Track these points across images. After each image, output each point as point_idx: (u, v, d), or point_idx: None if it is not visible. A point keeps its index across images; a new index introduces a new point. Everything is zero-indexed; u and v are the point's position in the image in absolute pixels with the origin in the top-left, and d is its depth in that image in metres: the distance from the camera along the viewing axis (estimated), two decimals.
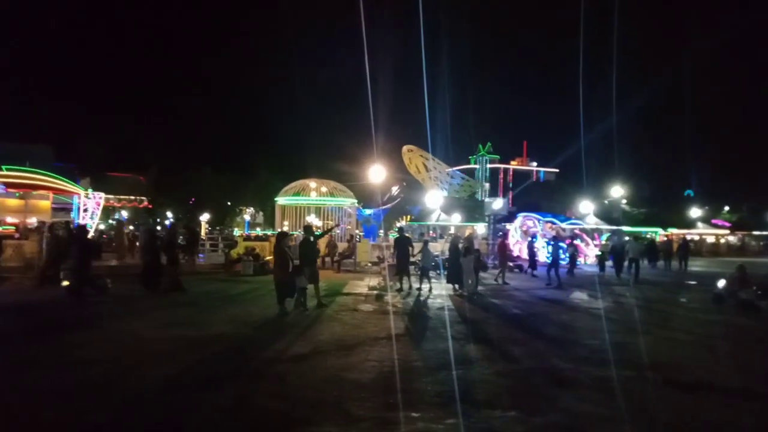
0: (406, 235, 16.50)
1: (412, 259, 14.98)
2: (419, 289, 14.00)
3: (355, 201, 25.94)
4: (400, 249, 14.44)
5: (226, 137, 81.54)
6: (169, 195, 48.58)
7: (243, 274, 17.22)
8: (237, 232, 38.13)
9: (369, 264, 19.89)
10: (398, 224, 43.52)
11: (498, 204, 27.04)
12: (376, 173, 23.86)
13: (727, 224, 51.00)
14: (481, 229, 34.41)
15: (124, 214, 39.48)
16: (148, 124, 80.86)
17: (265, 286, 14.31)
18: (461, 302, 12.41)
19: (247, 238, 25.90)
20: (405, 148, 50.17)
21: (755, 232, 51.29)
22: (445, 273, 15.25)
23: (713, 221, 50.80)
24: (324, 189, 24.90)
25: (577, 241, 25.99)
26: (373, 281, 15.41)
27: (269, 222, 41.23)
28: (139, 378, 5.93)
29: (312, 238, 11.42)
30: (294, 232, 20.95)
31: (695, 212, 49.39)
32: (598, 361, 7.03)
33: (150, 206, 35.53)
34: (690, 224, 47.50)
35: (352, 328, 8.90)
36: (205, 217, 48.05)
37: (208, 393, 5.46)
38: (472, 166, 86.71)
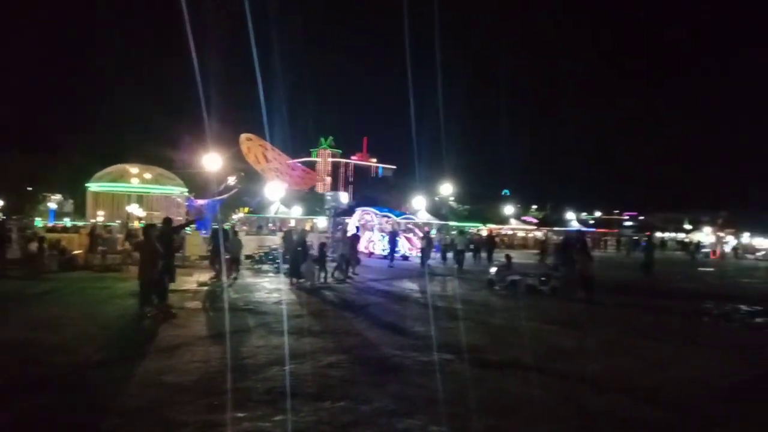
0: (225, 227, 16.63)
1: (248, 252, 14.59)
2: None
3: (185, 190, 24.29)
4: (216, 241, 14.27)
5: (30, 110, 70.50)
6: None
7: (46, 271, 15.04)
8: (39, 222, 33.12)
9: (199, 258, 18.75)
10: (234, 216, 41.81)
11: (343, 198, 27.49)
12: (211, 161, 22.60)
13: (535, 221, 58.39)
14: (321, 222, 34.66)
15: None
16: None
17: (72, 285, 12.71)
18: (300, 296, 12.32)
19: (52, 230, 22.75)
20: (243, 136, 48.21)
21: (556, 228, 59.49)
22: (285, 266, 15.14)
23: (523, 218, 57.76)
24: (148, 175, 22.82)
25: (410, 235, 27.56)
26: (204, 276, 14.57)
27: (80, 212, 36.56)
28: None
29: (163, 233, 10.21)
30: (111, 224, 18.91)
31: (509, 209, 55.61)
32: (423, 346, 7.48)
33: None
34: (505, 220, 53.33)
35: (175, 328, 8.27)
36: None
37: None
38: (313, 159, 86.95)
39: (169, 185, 23.17)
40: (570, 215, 60.80)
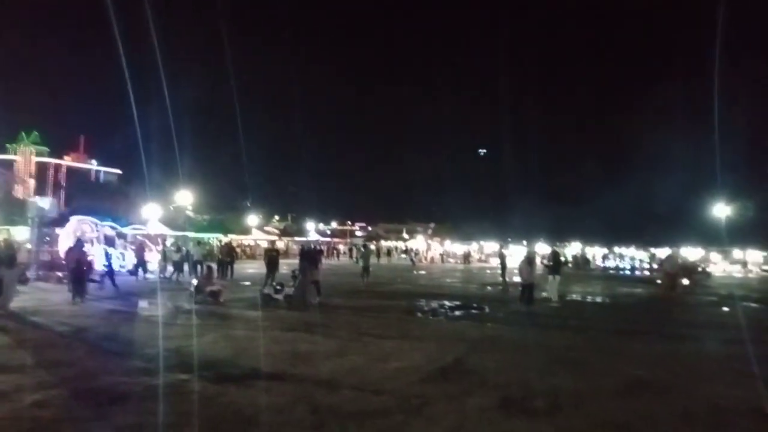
0: None
1: None
2: None
3: None
4: None
5: None
6: None
7: None
8: None
9: None
10: None
11: (47, 204, 23.42)
12: None
13: (277, 231, 59.47)
14: (21, 233, 28.79)
15: None
16: None
17: None
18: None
19: None
20: None
21: (296, 238, 61.64)
22: None
23: (266, 228, 58.29)
24: None
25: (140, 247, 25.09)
26: None
27: None
28: None
29: None
30: None
31: (252, 220, 55.42)
32: (155, 369, 6.91)
33: None
34: (247, 231, 52.95)
35: None
36: None
37: None
38: (11, 156, 71.97)
39: None
40: (310, 225, 63.83)
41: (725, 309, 16.83)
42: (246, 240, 50.70)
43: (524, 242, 57.67)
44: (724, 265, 52.02)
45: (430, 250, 61.41)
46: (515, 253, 35.74)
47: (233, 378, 6.65)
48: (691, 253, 46.79)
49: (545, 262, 20.14)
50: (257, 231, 53.90)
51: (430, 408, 5.67)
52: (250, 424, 5.08)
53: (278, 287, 14.42)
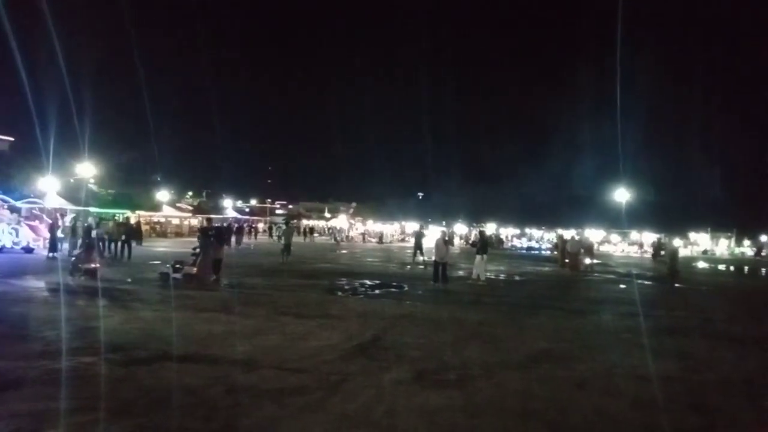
0: None
1: None
2: None
3: None
4: None
5: None
6: None
7: None
8: None
9: None
10: None
11: None
12: None
13: (190, 207, 57.04)
14: None
15: None
16: None
17: None
18: None
19: None
20: None
21: (212, 215, 59.45)
22: None
23: (178, 204, 55.70)
24: None
25: (35, 223, 23.26)
26: None
27: None
28: None
29: None
30: None
31: (163, 195, 52.72)
32: (56, 352, 6.47)
33: None
34: (157, 207, 50.37)
35: None
36: None
37: None
38: None
39: None
40: (227, 203, 61.80)
41: (622, 286, 18.33)
42: (156, 217, 48.20)
43: (443, 223, 59.47)
44: (623, 246, 56.59)
45: (352, 229, 61.63)
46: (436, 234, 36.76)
47: (142, 360, 6.37)
48: (594, 234, 50.42)
49: (473, 241, 21.04)
50: (168, 207, 51.34)
51: (348, 384, 5.75)
52: (161, 406, 4.90)
53: (177, 266, 13.77)
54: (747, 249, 59.71)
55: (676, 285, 18.98)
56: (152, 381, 5.62)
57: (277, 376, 5.97)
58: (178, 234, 46.77)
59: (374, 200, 79.51)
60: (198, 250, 14.13)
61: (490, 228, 59.20)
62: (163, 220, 49.06)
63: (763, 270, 31.62)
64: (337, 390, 5.53)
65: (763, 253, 54.47)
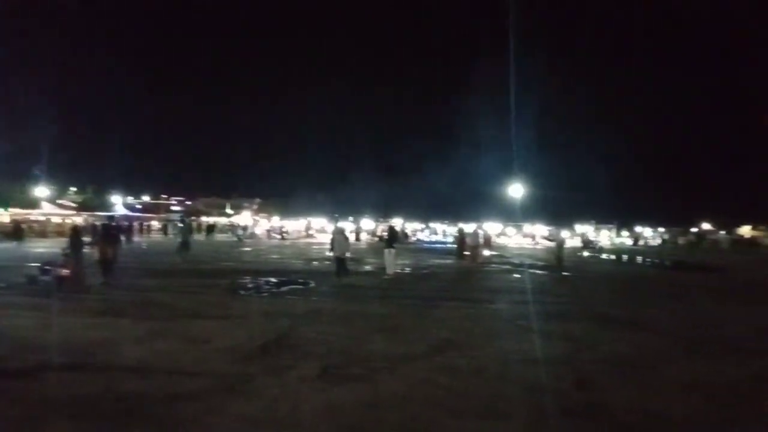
0: None
1: None
2: None
3: None
4: None
5: None
6: None
7: None
8: None
9: None
10: None
11: None
12: None
13: (74, 205, 52.47)
14: None
15: None
16: None
17: None
18: None
19: None
20: None
21: (99, 213, 55.10)
22: None
23: (59, 201, 51.03)
24: None
25: None
26: None
27: None
28: None
29: None
30: None
31: (42, 192, 48.07)
32: None
33: None
34: (35, 204, 45.84)
35: None
36: None
37: None
38: None
39: None
40: (116, 199, 57.60)
41: (516, 275, 19.44)
42: (33, 215, 43.89)
43: (350, 218, 59.64)
44: (518, 238, 60.14)
45: (256, 226, 59.95)
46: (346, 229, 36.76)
47: (16, 372, 5.75)
48: (492, 227, 53.15)
49: (380, 235, 21.43)
50: (48, 205, 46.89)
51: (250, 385, 5.57)
52: (39, 421, 4.44)
53: (46, 267, 12.58)
54: (626, 239, 66.07)
55: (564, 273, 20.50)
56: (29, 394, 5.08)
57: (172, 381, 5.65)
58: (60, 234, 42.87)
59: (280, 196, 78.02)
60: (69, 250, 13.06)
61: (396, 223, 60.39)
62: (42, 218, 44.74)
63: (639, 257, 34.99)
64: (238, 392, 5.34)
65: (639, 242, 61.09)
